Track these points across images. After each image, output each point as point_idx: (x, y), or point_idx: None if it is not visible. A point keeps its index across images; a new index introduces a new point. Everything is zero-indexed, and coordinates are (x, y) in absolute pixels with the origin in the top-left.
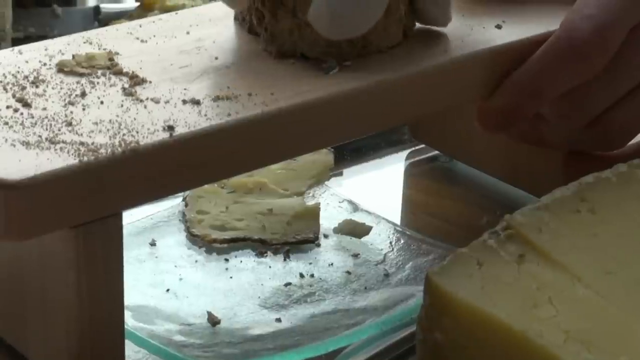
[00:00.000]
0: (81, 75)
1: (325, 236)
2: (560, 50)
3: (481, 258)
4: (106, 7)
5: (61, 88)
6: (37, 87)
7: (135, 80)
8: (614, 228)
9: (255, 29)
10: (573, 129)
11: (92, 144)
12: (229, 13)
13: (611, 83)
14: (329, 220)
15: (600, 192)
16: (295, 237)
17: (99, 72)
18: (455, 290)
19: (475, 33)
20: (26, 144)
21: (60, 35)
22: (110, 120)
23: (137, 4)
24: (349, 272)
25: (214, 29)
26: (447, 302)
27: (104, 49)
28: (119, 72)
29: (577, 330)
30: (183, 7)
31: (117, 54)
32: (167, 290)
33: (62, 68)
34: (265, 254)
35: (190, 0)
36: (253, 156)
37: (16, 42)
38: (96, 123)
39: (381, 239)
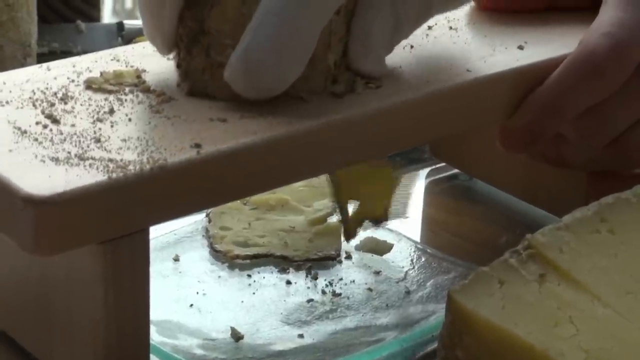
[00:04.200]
0: (109, 92)
1: (347, 253)
2: (579, 68)
3: (502, 277)
4: (130, 23)
5: (89, 105)
6: (65, 103)
7: (163, 98)
8: (634, 248)
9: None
10: (594, 149)
11: (121, 160)
12: None
13: (630, 102)
14: None
15: (620, 212)
16: (317, 254)
17: (127, 89)
18: (477, 308)
19: (498, 53)
20: (55, 160)
21: (84, 50)
22: (138, 138)
23: None
24: (370, 289)
25: None
26: (469, 321)
27: (131, 67)
28: (147, 90)
29: (597, 349)
30: None
31: (144, 71)
32: (191, 305)
33: (90, 85)
34: (287, 271)
35: None
36: (278, 174)
37: (40, 57)
38: (124, 140)
39: (402, 257)
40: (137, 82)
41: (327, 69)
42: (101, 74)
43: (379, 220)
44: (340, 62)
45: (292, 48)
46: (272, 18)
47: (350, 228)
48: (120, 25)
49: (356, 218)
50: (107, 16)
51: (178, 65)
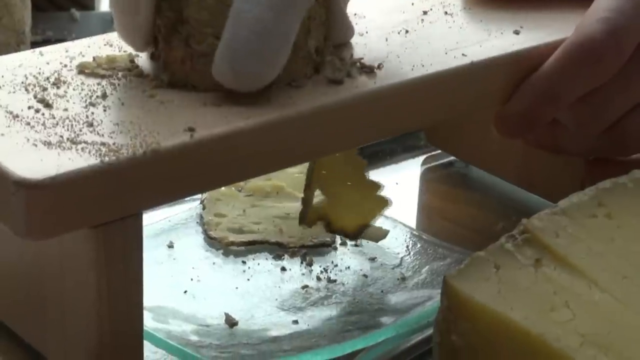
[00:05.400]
0: (102, 77)
1: (342, 240)
2: (576, 53)
3: (498, 262)
4: None
5: (82, 89)
6: (58, 88)
7: (156, 83)
8: (631, 233)
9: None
10: (590, 135)
11: (114, 144)
12: None
13: (627, 88)
14: None
15: (617, 197)
16: (312, 240)
17: (120, 74)
18: (473, 293)
19: (493, 38)
20: (48, 144)
21: (78, 39)
22: (131, 122)
23: None
24: (365, 276)
25: None
26: (464, 305)
27: (124, 51)
28: (140, 75)
29: (593, 334)
30: None
31: (137, 56)
32: (185, 291)
33: (82, 70)
34: (282, 257)
35: None
36: (272, 159)
37: (34, 45)
38: (117, 124)
39: (398, 243)
40: (130, 67)
41: (308, 55)
42: (94, 58)
43: (347, 236)
44: (323, 48)
45: (276, 32)
46: (251, 5)
47: (306, 217)
48: None
49: (316, 213)
50: (105, 7)
51: (153, 57)
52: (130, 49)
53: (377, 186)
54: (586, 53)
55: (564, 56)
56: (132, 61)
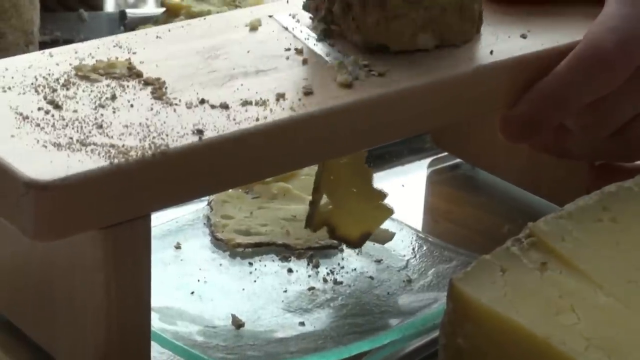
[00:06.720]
0: (112, 78)
1: None
2: (585, 62)
3: (504, 265)
4: (132, 12)
5: (91, 91)
6: (67, 89)
7: (164, 85)
8: (636, 237)
9: (335, 20)
10: (596, 140)
11: (123, 146)
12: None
13: (634, 94)
14: None
15: (622, 201)
16: (319, 242)
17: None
18: (479, 296)
19: (501, 42)
20: (57, 145)
21: (86, 39)
22: (140, 124)
23: (163, 9)
24: (371, 278)
25: (242, 34)
26: (470, 308)
27: (134, 53)
28: (149, 77)
29: (598, 337)
30: (208, 13)
31: (142, 62)
32: (192, 292)
33: (77, 72)
34: (289, 259)
35: (216, 6)
36: (280, 161)
37: (43, 45)
38: (126, 126)
39: (404, 245)
40: (128, 73)
41: (473, 17)
42: (95, 62)
43: (350, 243)
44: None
45: None
46: None
47: (313, 220)
48: (122, 14)
49: (321, 218)
50: (110, 8)
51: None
52: (139, 51)
53: (381, 195)
54: (597, 62)
55: (573, 65)
56: (130, 67)
